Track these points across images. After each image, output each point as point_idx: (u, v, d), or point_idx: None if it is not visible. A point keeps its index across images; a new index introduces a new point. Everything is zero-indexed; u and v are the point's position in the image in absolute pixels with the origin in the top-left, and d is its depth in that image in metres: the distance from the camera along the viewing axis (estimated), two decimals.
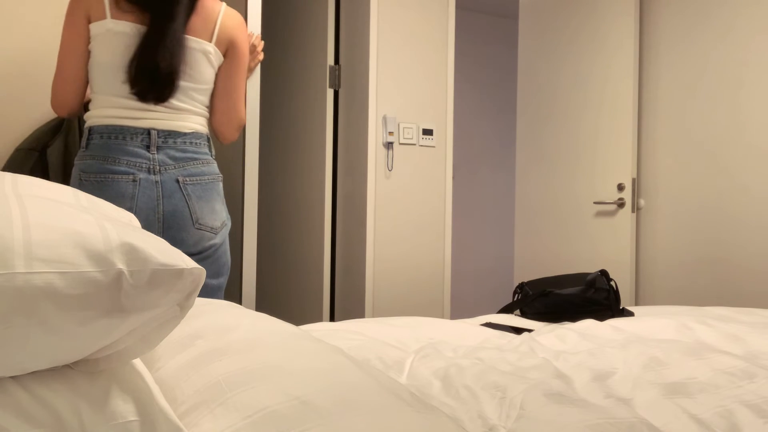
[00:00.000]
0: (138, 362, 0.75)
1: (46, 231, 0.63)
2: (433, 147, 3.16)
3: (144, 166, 1.79)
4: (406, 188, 3.08)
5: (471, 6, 5.12)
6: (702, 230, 3.00)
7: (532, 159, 3.69)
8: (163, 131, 1.82)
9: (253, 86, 2.29)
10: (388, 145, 3.03)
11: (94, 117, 1.82)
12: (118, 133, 1.79)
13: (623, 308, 1.91)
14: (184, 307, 0.70)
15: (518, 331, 1.66)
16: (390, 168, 3.04)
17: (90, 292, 0.62)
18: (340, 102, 3.20)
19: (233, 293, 2.36)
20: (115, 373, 0.70)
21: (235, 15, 1.96)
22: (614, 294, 1.92)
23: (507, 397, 1.00)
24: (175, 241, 1.84)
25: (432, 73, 3.15)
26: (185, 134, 1.85)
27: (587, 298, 1.87)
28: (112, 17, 1.77)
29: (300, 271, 3.33)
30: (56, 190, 0.87)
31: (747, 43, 2.85)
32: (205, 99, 1.93)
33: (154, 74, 1.77)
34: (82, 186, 1.77)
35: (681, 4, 3.12)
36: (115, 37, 1.78)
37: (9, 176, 0.84)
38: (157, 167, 1.81)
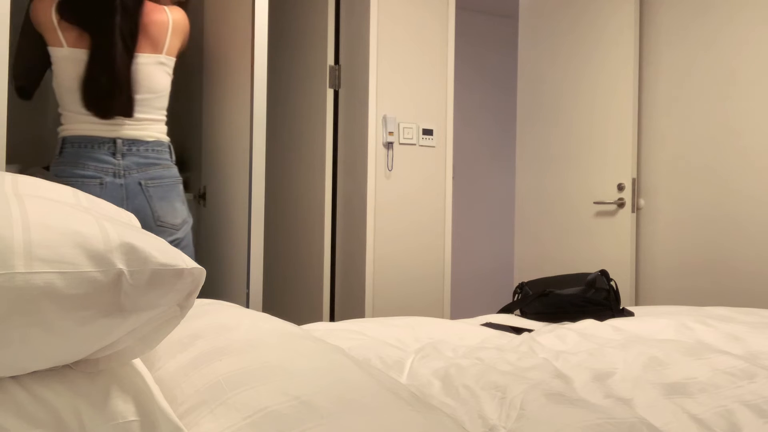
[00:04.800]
0: (138, 362, 0.75)
1: (46, 231, 0.63)
2: (433, 147, 3.15)
3: (110, 170, 2.03)
4: (406, 188, 3.08)
5: (471, 6, 5.12)
6: (702, 230, 3.00)
7: (532, 159, 3.69)
8: (128, 140, 2.06)
9: (259, 90, 2.30)
10: (388, 145, 3.03)
11: (66, 129, 2.06)
12: (87, 142, 2.03)
13: (623, 308, 1.91)
14: (184, 307, 0.70)
15: (518, 331, 1.66)
16: (390, 168, 3.04)
17: (90, 292, 0.62)
18: (340, 102, 3.19)
19: (240, 293, 2.36)
20: (115, 373, 0.70)
21: (181, 19, 2.19)
22: (614, 294, 1.92)
23: (507, 397, 1.00)
24: None
25: (432, 73, 3.15)
26: (148, 142, 2.10)
27: (587, 298, 1.87)
28: (68, 45, 2.02)
29: (300, 271, 3.33)
30: (56, 190, 0.87)
31: (746, 39, 2.85)
32: (164, 103, 2.17)
33: (104, 96, 2.03)
34: None
35: (680, 3, 3.12)
36: (72, 63, 2.02)
37: (9, 176, 0.84)
38: (122, 172, 2.04)
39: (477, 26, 5.25)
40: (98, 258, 0.63)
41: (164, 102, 2.17)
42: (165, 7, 2.17)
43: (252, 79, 2.32)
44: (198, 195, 2.87)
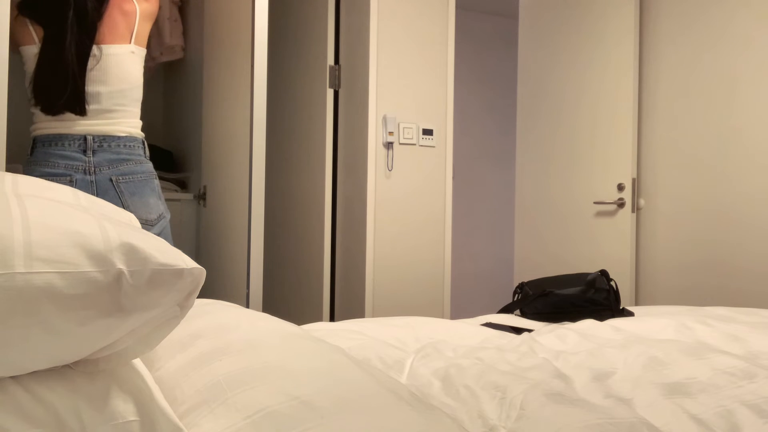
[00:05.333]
0: (138, 362, 0.75)
1: (46, 231, 0.63)
2: (433, 147, 3.15)
3: (80, 168, 2.00)
4: (406, 188, 3.08)
5: (471, 6, 5.12)
6: (702, 230, 3.00)
7: (532, 159, 3.69)
8: (99, 136, 2.03)
9: (259, 90, 2.30)
10: (388, 145, 3.03)
11: (37, 128, 2.03)
12: (57, 140, 2.00)
13: (623, 308, 1.91)
14: (184, 306, 0.70)
15: (518, 331, 1.66)
16: (390, 168, 3.04)
17: (90, 292, 0.62)
18: (340, 102, 3.19)
19: (240, 293, 2.36)
20: (115, 373, 0.70)
21: (148, 7, 2.13)
22: (614, 294, 1.92)
23: (507, 397, 1.00)
24: None
25: (432, 73, 3.15)
26: (120, 138, 2.06)
27: (587, 298, 1.87)
28: (40, 42, 1.99)
29: (300, 271, 3.33)
30: (56, 190, 0.87)
31: (747, 40, 2.85)
32: (139, 95, 2.11)
33: (48, 91, 1.98)
34: None
35: (680, 3, 3.12)
36: (35, 58, 2.00)
37: (9, 176, 0.84)
38: (93, 168, 2.01)
39: (477, 26, 5.25)
40: (98, 258, 0.63)
41: (138, 94, 2.12)
42: None
43: (252, 79, 2.32)
44: (198, 195, 2.87)
